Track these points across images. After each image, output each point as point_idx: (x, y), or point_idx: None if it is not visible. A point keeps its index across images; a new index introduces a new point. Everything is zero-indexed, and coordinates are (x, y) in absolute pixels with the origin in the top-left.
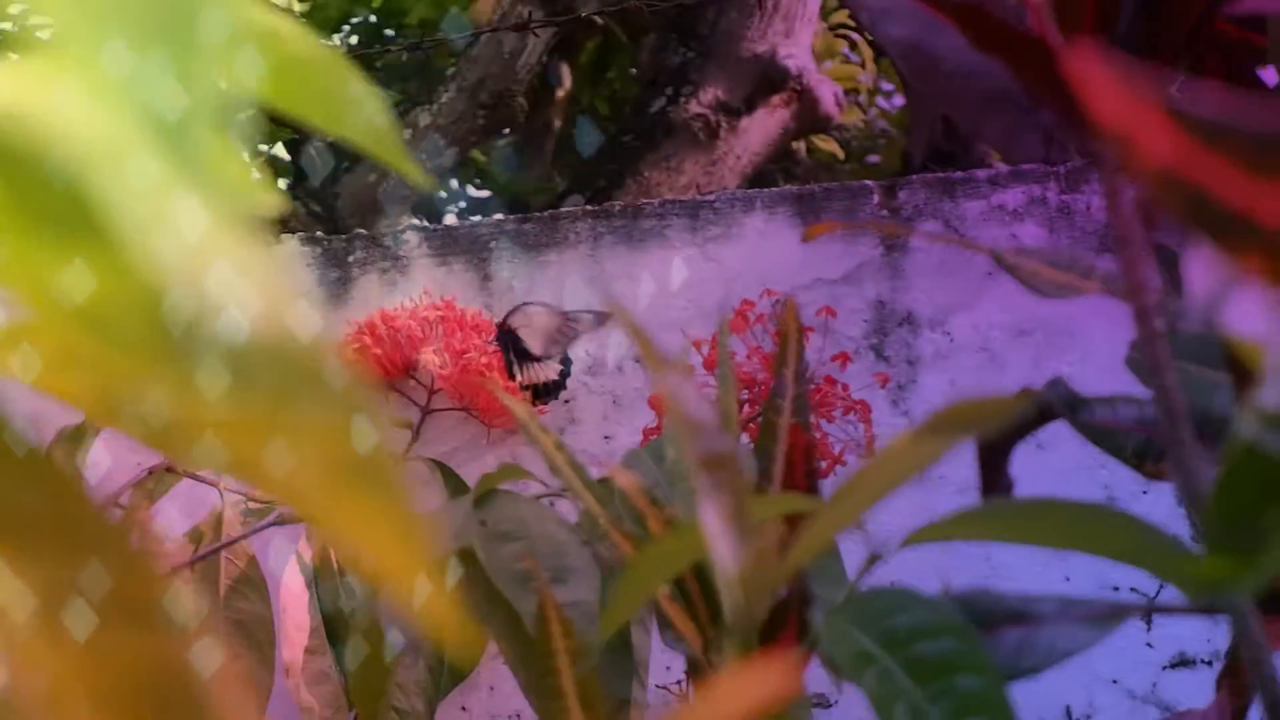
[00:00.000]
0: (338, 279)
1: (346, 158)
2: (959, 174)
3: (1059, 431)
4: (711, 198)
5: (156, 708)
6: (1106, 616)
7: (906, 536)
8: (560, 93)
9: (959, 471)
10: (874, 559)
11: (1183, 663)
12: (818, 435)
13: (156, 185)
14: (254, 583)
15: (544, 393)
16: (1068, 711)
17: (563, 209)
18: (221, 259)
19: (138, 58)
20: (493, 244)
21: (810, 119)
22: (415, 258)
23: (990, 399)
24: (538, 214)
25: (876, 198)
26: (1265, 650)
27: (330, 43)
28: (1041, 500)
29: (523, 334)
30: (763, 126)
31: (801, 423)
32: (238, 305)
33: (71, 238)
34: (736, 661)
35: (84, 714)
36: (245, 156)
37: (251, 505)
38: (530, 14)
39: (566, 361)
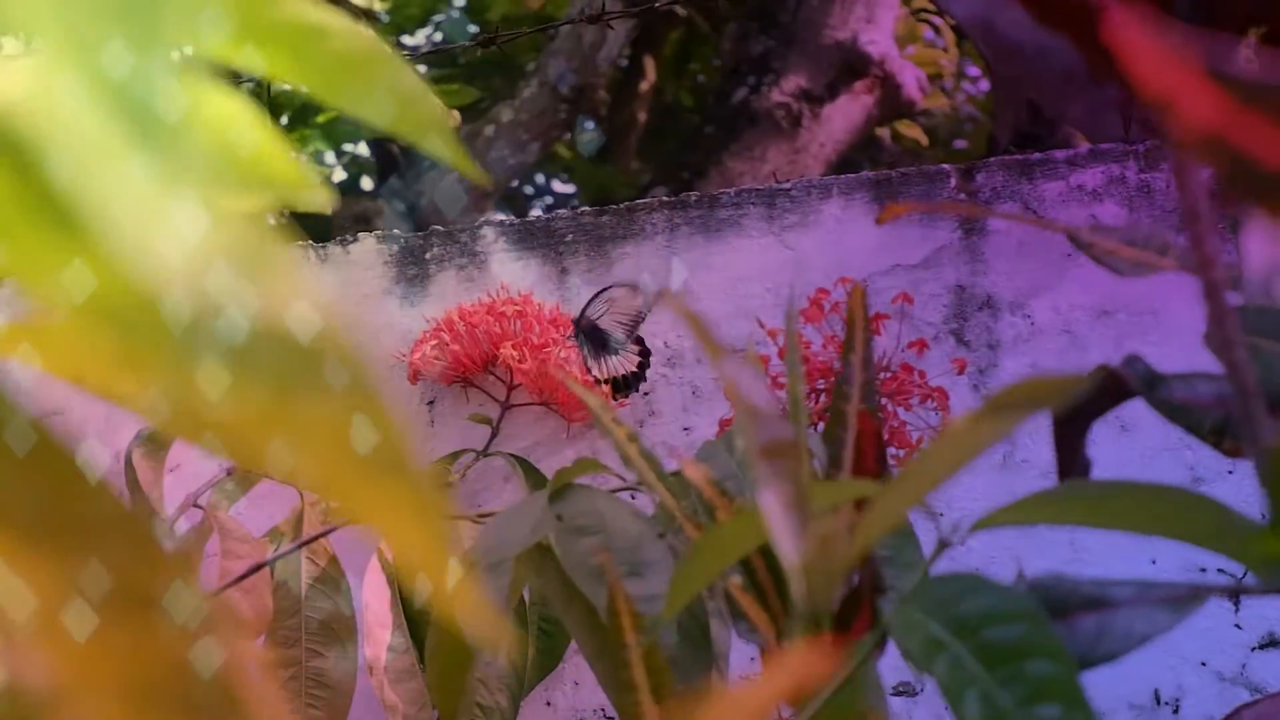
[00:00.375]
0: (415, 276)
1: (431, 156)
2: (1037, 155)
3: (1143, 413)
4: (788, 185)
5: (171, 696)
6: (1184, 599)
7: (978, 520)
8: (644, 85)
9: (1042, 454)
10: (944, 545)
11: (1272, 643)
12: (895, 423)
13: (147, 183)
14: (335, 581)
15: (624, 385)
16: (1156, 695)
17: (638, 201)
18: (222, 255)
19: (130, 58)
20: (569, 237)
21: (893, 105)
22: (492, 253)
23: (1057, 375)
24: (614, 206)
25: (954, 181)
26: None
27: (413, 39)
28: (1115, 483)
29: (605, 320)
30: (846, 113)
31: (870, 409)
32: (240, 299)
33: (72, 233)
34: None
35: (98, 705)
36: (294, 154)
37: (332, 505)
38: (605, 5)
39: (645, 353)
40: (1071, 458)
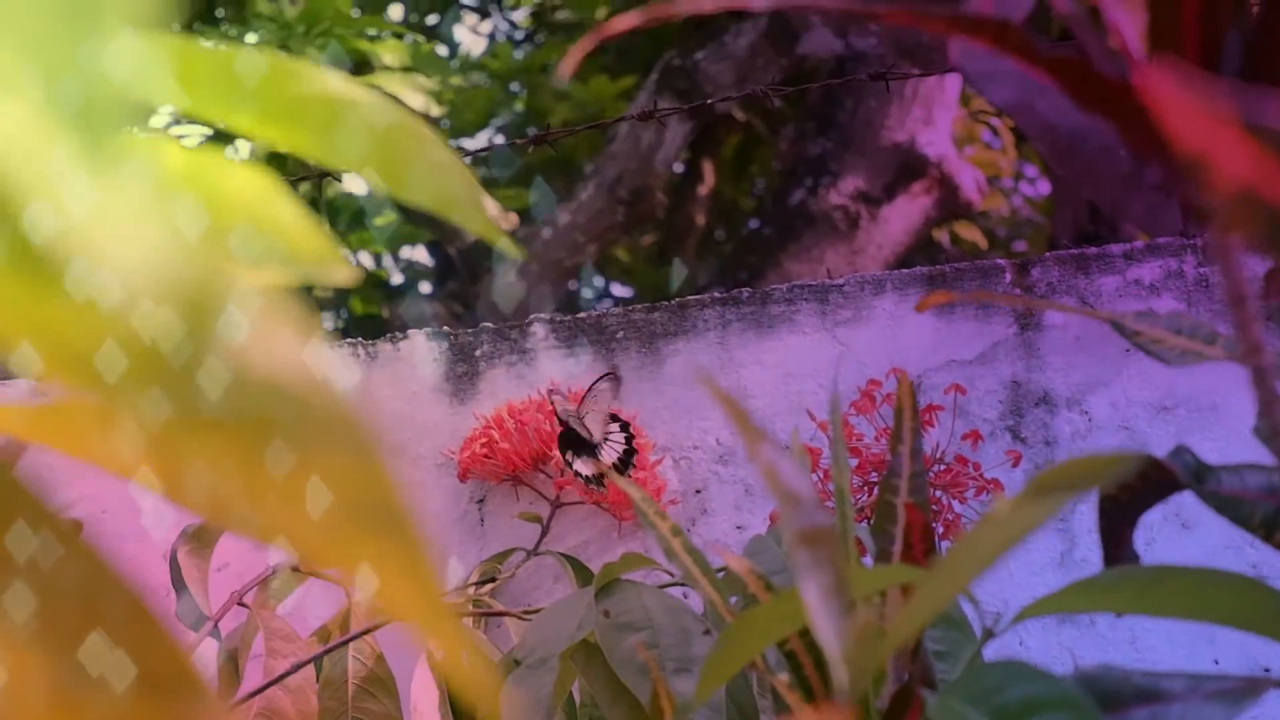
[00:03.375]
0: (465, 373)
1: (488, 258)
2: (1093, 250)
3: (1204, 511)
4: (840, 281)
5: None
6: (1240, 692)
7: (1023, 609)
8: (702, 189)
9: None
10: (989, 634)
11: None
12: (950, 516)
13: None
14: (383, 682)
15: (621, 468)
16: None
17: (690, 297)
18: (217, 296)
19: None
20: (620, 334)
21: (951, 206)
22: (542, 349)
23: (1098, 456)
24: (665, 303)
25: (1009, 276)
26: None
27: (474, 142)
28: (1165, 567)
29: (590, 416)
30: (904, 215)
31: (919, 501)
32: (233, 344)
33: (61, 291)
34: None
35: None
36: (320, 228)
37: (316, 561)
38: (657, 104)
39: (625, 426)
40: (1118, 551)
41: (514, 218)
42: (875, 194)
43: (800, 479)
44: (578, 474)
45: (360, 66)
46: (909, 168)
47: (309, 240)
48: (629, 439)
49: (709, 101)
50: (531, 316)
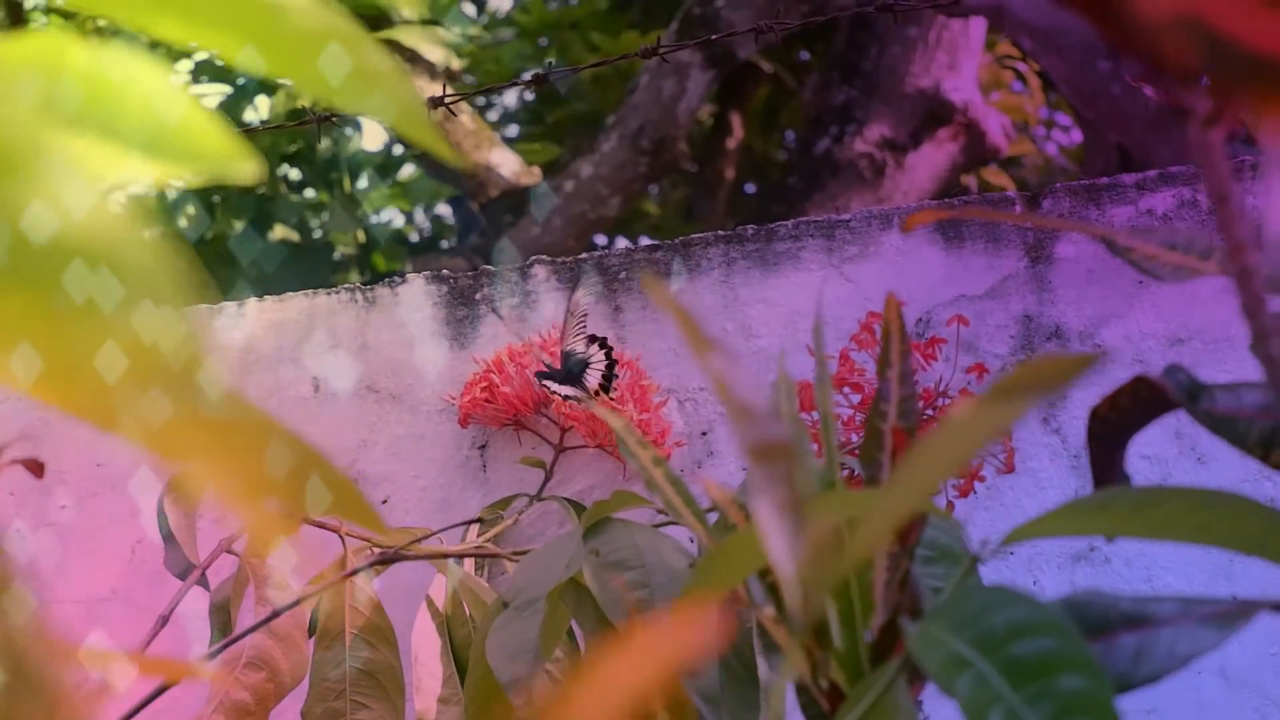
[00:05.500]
0: (465, 317)
1: (510, 212)
2: (1105, 180)
3: (1220, 444)
4: (847, 217)
5: None
6: (1230, 615)
7: (1012, 531)
8: (731, 142)
9: None
10: (974, 560)
11: None
12: None
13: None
14: (381, 631)
15: (606, 387)
16: None
17: (694, 235)
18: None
19: None
20: (623, 274)
21: (978, 151)
22: (544, 291)
23: (1063, 356)
24: (668, 241)
25: (1019, 208)
26: None
27: (501, 99)
28: (1156, 488)
29: (575, 340)
30: (930, 161)
31: (907, 427)
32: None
33: None
34: (844, 682)
35: None
36: (220, 126)
37: (376, 550)
38: (659, 43)
39: (604, 344)
40: (1107, 474)
41: (537, 171)
42: (901, 141)
43: (754, 391)
44: (554, 393)
45: (377, 22)
46: (934, 114)
47: (210, 137)
48: (608, 353)
49: (713, 38)
50: (532, 258)
